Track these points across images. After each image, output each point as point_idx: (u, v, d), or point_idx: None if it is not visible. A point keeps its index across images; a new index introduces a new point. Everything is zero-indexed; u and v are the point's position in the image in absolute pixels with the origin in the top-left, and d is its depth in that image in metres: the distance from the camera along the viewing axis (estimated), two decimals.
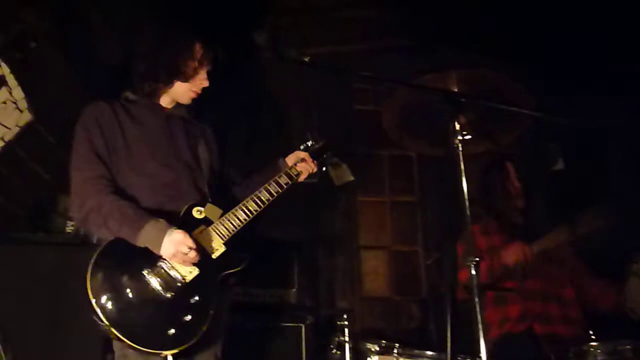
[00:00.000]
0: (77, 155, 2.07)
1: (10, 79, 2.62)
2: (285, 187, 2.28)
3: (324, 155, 2.50)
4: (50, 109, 2.93)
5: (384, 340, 2.50)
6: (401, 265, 4.43)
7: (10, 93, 2.65)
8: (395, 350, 2.45)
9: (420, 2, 3.91)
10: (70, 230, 3.06)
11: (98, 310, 1.79)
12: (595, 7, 3.37)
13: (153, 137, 2.18)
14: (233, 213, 2.12)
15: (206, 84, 2.25)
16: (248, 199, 2.17)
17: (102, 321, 1.79)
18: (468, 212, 1.85)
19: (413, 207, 4.56)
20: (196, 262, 1.95)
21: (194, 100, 2.29)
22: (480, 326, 1.74)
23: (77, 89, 3.06)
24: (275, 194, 2.24)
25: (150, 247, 1.92)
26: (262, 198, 2.20)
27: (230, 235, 2.07)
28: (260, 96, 4.29)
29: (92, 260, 1.86)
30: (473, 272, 1.80)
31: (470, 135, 1.99)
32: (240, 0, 3.70)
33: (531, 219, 2.97)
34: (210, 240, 2.04)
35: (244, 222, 2.12)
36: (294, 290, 3.45)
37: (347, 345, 2.60)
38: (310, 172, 2.42)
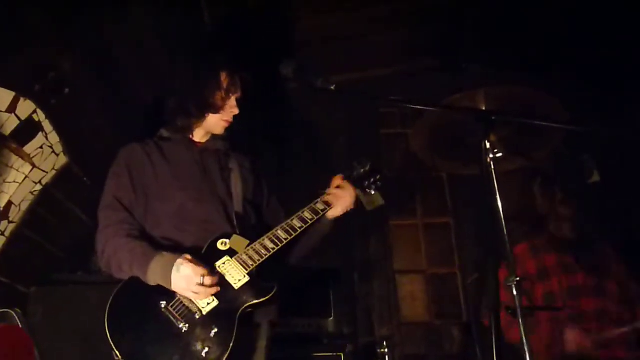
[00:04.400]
0: (103, 200, 2.14)
1: (46, 124, 2.70)
2: (309, 221, 2.16)
3: (372, 179, 2.40)
4: (85, 151, 3.01)
5: None
6: (439, 288, 4.35)
7: (47, 138, 2.74)
8: None
9: (443, 22, 3.92)
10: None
11: (113, 346, 1.81)
12: (626, 17, 3.33)
13: (185, 173, 2.19)
14: (260, 243, 2.06)
15: (236, 111, 2.25)
16: (278, 227, 2.12)
17: (117, 356, 1.81)
18: (505, 230, 1.81)
19: (447, 229, 4.50)
20: (214, 292, 1.92)
21: (227, 129, 2.30)
22: (526, 349, 1.68)
23: (110, 130, 3.14)
24: (307, 223, 2.15)
25: (163, 284, 1.91)
26: (295, 226, 2.13)
27: (255, 264, 2.01)
28: (290, 123, 4.33)
29: (111, 298, 1.90)
30: (515, 292, 1.75)
31: (502, 152, 1.96)
32: (266, 31, 3.76)
33: (580, 232, 2.88)
34: (234, 271, 2.00)
35: (272, 251, 2.05)
36: (332, 318, 3.40)
37: None
38: (349, 199, 2.25)
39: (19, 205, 2.67)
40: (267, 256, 2.04)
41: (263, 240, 2.07)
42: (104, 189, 2.17)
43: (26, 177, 2.67)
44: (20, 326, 2.45)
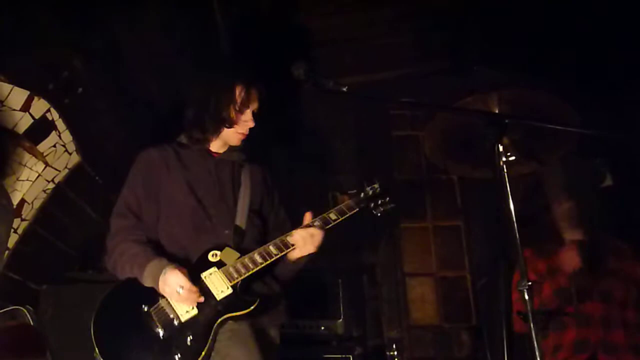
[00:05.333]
0: (116, 206, 2.21)
1: (60, 123, 2.73)
2: (274, 256, 2.09)
3: (380, 201, 2.35)
4: (97, 150, 3.03)
5: None
6: (449, 291, 4.33)
7: (60, 137, 2.76)
8: None
9: (454, 24, 3.90)
10: None
11: (94, 343, 1.89)
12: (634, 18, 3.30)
13: (198, 181, 2.22)
14: (249, 257, 2.08)
15: (252, 124, 2.25)
16: (270, 243, 2.12)
17: (96, 355, 1.88)
18: (517, 234, 1.79)
19: (457, 231, 4.48)
20: (195, 302, 1.96)
21: (244, 141, 2.31)
22: (537, 354, 1.67)
23: (122, 130, 3.17)
24: (271, 257, 2.09)
25: (154, 286, 1.98)
26: (271, 252, 2.09)
27: (240, 277, 2.03)
28: (300, 125, 4.33)
29: (102, 297, 2.00)
30: (526, 297, 1.74)
31: (514, 156, 1.94)
32: (278, 34, 3.77)
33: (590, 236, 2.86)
34: (218, 283, 2.02)
35: (260, 265, 2.06)
36: (341, 320, 3.40)
37: None
38: (310, 246, 2.12)
39: (32, 203, 2.70)
40: (252, 270, 2.05)
41: (253, 254, 2.08)
42: (122, 190, 2.23)
43: (39, 175, 2.70)
44: (32, 324, 2.47)
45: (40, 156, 2.68)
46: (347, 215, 2.24)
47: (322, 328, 3.35)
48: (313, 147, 4.31)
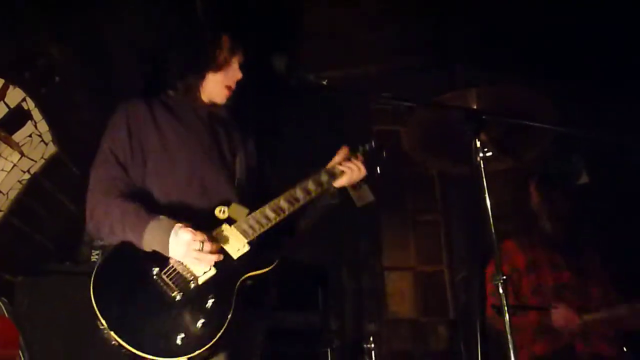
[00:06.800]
0: (97, 155, 2.00)
1: (36, 113, 2.69)
2: (316, 192, 2.03)
3: (379, 159, 2.27)
4: (74, 141, 2.99)
5: None
6: (427, 285, 4.38)
7: (36, 126, 2.72)
8: None
9: (438, 21, 3.92)
10: (95, 259, 3.10)
11: (98, 313, 1.66)
12: (616, 16, 3.35)
13: (191, 135, 2.06)
14: (261, 212, 1.93)
15: (239, 75, 2.12)
16: (280, 197, 1.98)
17: (102, 324, 1.66)
18: (493, 229, 1.82)
19: (436, 226, 4.52)
20: (213, 262, 1.79)
21: (230, 100, 2.17)
22: (510, 346, 1.70)
23: (100, 121, 3.12)
24: (311, 193, 2.02)
25: (159, 251, 1.79)
26: (298, 196, 2.00)
27: (256, 233, 1.89)
28: (281, 118, 4.32)
29: (97, 264, 1.77)
30: (501, 290, 1.76)
31: (492, 152, 1.97)
32: (260, 26, 3.75)
33: (571, 232, 2.91)
34: (233, 240, 1.87)
35: (274, 220, 1.93)
36: (319, 313, 3.42)
37: None
38: (357, 172, 2.10)
39: (7, 193, 2.66)
40: (268, 226, 1.92)
41: (264, 209, 1.94)
42: (100, 145, 2.01)
43: (14, 165, 2.66)
44: (7, 315, 2.44)
45: (16, 146, 2.64)
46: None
47: (301, 321, 3.36)
48: (293, 141, 4.30)
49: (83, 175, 3.05)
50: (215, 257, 1.79)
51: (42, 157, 2.82)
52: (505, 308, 1.71)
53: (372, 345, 2.57)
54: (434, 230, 4.50)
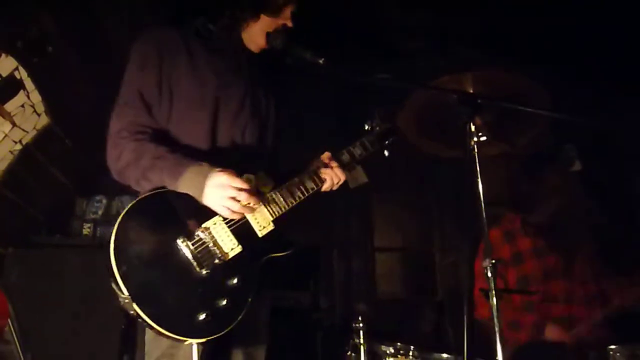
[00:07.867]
0: (122, 92, 1.78)
1: (28, 83, 2.65)
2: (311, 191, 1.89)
3: (387, 141, 2.17)
4: (67, 112, 2.97)
5: (400, 342, 2.48)
6: (416, 267, 4.41)
7: (28, 97, 2.69)
8: (411, 353, 2.43)
9: (436, 4, 3.89)
10: (87, 233, 3.10)
11: (119, 279, 1.48)
12: (612, 5, 3.33)
13: (229, 80, 1.86)
14: (287, 188, 1.81)
15: (290, 24, 1.91)
16: (305, 175, 1.87)
17: (122, 293, 1.48)
18: (484, 214, 1.83)
19: (428, 209, 4.54)
20: (248, 212, 1.68)
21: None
22: (497, 329, 1.72)
23: (94, 92, 3.10)
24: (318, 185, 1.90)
25: (194, 195, 1.63)
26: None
27: (281, 212, 1.78)
28: (279, 98, 4.29)
29: (120, 218, 1.54)
30: (489, 274, 1.77)
31: (486, 136, 1.96)
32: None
33: (559, 216, 2.92)
34: (259, 215, 1.74)
35: (298, 200, 1.82)
36: (310, 292, 3.44)
37: (362, 348, 2.58)
38: (336, 181, 1.96)
39: None
40: (293, 205, 1.81)
41: (290, 185, 1.82)
42: (124, 74, 1.80)
43: (6, 135, 2.63)
44: None
45: (8, 116, 2.61)
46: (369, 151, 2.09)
47: (292, 300, 3.39)
48: (291, 121, 4.28)
49: (76, 147, 3.04)
50: (249, 211, 1.68)
51: (34, 128, 2.79)
52: (493, 292, 1.72)
53: (361, 325, 2.58)
54: (426, 213, 4.53)
